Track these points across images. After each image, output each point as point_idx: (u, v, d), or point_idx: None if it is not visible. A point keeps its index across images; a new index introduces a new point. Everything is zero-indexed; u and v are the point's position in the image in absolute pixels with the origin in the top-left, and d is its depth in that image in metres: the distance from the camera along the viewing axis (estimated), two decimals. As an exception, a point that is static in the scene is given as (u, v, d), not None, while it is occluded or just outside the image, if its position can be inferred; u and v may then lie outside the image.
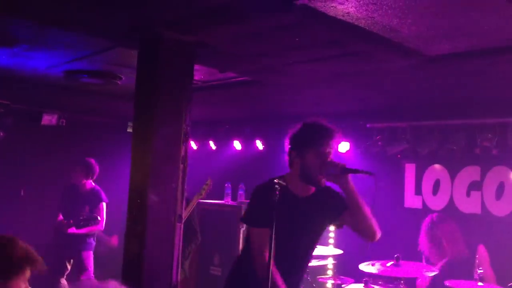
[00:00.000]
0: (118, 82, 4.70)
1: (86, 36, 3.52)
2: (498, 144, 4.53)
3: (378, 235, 2.84)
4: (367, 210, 2.77)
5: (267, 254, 2.54)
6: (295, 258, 2.92)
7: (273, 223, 2.47)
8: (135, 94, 3.22)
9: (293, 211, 2.83)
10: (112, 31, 3.34)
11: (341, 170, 2.72)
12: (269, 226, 2.49)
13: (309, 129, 2.93)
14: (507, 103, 4.37)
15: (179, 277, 3.04)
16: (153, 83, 3.07)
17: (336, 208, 2.90)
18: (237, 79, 4.59)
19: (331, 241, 5.93)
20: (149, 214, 2.93)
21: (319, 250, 4.46)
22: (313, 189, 2.91)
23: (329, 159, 2.79)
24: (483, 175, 4.86)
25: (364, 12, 2.70)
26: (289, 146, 2.94)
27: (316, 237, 2.99)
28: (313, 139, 2.84)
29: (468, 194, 4.96)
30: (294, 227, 2.86)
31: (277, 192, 2.54)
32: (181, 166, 3.10)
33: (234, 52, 3.60)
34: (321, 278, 4.63)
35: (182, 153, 3.12)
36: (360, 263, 4.06)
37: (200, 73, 4.46)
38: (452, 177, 5.13)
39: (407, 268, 3.87)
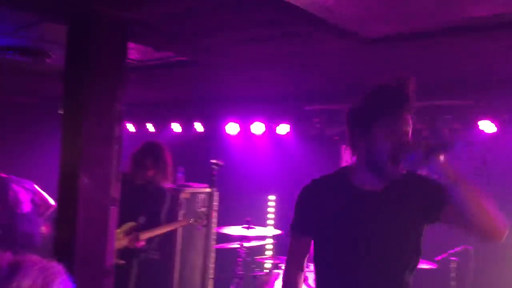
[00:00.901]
0: (47, 60, 4.45)
1: (11, 10, 3.29)
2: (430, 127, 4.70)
3: (504, 231, 1.89)
4: (481, 199, 1.85)
5: (294, 270, 2.12)
6: (369, 276, 1.96)
7: (314, 228, 2.01)
8: (65, 73, 3.05)
9: (355, 211, 2.00)
10: (39, 5, 3.13)
11: (424, 153, 1.80)
12: (309, 233, 2.05)
13: (377, 96, 2.02)
14: (441, 86, 4.54)
15: (113, 262, 2.94)
16: (84, 61, 2.92)
17: (430, 201, 1.97)
18: (174, 59, 4.48)
19: (270, 222, 6.00)
20: (80, 198, 2.81)
21: (258, 230, 4.48)
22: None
23: (406, 139, 1.92)
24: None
25: (301, -8, 2.69)
26: (350, 124, 2.04)
27: (405, 245, 1.98)
28: (382, 109, 1.96)
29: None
30: (357, 232, 1.98)
31: (322, 188, 2.05)
32: (116, 147, 2.99)
33: (169, 31, 3.50)
34: (259, 258, 4.68)
35: (117, 133, 3.00)
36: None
37: (136, 52, 4.30)
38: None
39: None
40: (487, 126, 4.46)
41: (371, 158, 1.97)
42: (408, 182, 1.98)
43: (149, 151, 4.18)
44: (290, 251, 2.17)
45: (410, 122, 1.96)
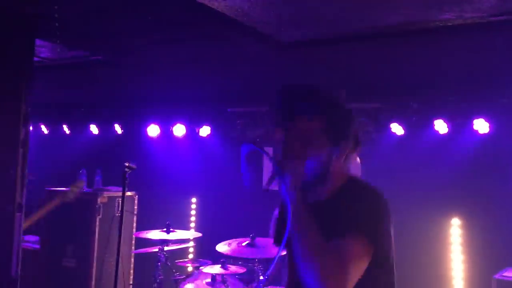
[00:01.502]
0: None
1: None
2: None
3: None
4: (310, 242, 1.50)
5: None
6: None
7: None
8: (-36, 70, 2.84)
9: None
10: None
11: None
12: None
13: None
14: (352, 89, 4.73)
15: (19, 270, 2.78)
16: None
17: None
18: (90, 58, 4.32)
19: (192, 224, 5.95)
20: (-19, 204, 2.63)
21: (179, 234, 4.43)
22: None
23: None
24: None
25: (218, -5, 2.70)
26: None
27: None
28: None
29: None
30: None
31: None
32: (21, 150, 2.82)
33: (82, 29, 3.37)
34: (180, 262, 4.62)
35: (22, 136, 2.84)
36: (218, 244, 4.11)
37: (47, 50, 4.11)
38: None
39: (262, 247, 4.02)
40: (397, 129, 4.71)
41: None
42: (344, 195, 1.65)
43: None
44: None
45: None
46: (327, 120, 1.62)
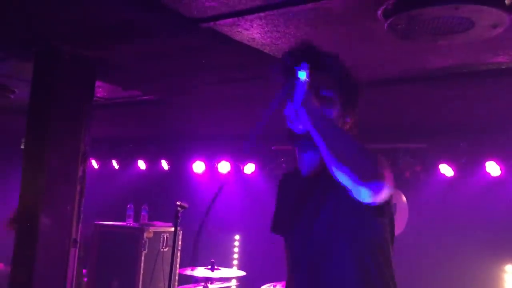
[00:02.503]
0: (11, 95, 4.38)
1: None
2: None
3: (375, 180, 1.33)
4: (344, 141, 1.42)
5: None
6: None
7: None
8: (29, 109, 3.02)
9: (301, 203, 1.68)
10: (5, 42, 3.12)
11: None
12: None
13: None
14: (398, 130, 4.70)
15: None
16: (49, 98, 2.91)
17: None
18: (142, 97, 4.49)
19: (235, 262, 5.93)
20: (40, 239, 2.73)
21: (223, 272, 4.42)
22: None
23: None
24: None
25: (269, 39, 2.78)
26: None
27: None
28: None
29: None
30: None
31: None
32: (78, 187, 2.94)
33: (138, 71, 3.53)
34: (224, 300, 4.60)
35: (80, 173, 2.96)
36: (263, 284, 4.08)
37: (103, 90, 4.30)
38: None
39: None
40: (446, 170, 4.61)
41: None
42: None
43: None
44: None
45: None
46: (342, 80, 1.59)
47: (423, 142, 4.76)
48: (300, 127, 1.51)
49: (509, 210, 4.35)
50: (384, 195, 1.35)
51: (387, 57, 2.96)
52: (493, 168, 4.39)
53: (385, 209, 1.47)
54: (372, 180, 1.32)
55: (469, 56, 2.86)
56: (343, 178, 1.35)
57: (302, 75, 1.43)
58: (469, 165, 4.58)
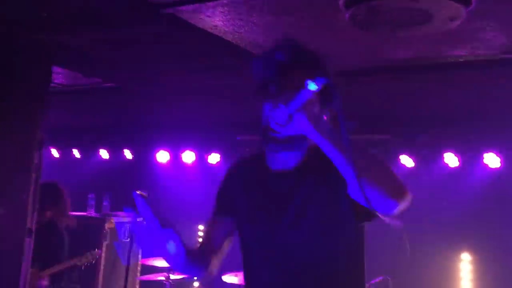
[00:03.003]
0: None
1: None
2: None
3: (405, 196, 1.41)
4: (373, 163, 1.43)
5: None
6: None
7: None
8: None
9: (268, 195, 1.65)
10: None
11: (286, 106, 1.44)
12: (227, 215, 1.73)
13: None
14: (365, 121, 4.75)
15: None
16: (2, 84, 2.79)
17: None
18: (103, 85, 4.39)
19: (199, 252, 5.91)
20: (-8, 229, 2.64)
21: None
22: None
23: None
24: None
25: (231, 27, 2.76)
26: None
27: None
28: None
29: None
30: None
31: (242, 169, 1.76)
32: (34, 175, 2.85)
33: (99, 57, 3.44)
34: (186, 290, 4.58)
35: (36, 161, 2.87)
36: (225, 273, 4.08)
37: (62, 76, 4.18)
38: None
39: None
40: (406, 161, 4.70)
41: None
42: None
43: (47, 192, 3.98)
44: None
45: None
46: (320, 76, 1.45)
47: (387, 133, 4.84)
48: (290, 133, 1.45)
49: (466, 200, 4.49)
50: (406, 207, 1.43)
51: (348, 48, 2.98)
52: (451, 159, 4.51)
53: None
54: (404, 197, 1.40)
55: (429, 48, 2.91)
56: (372, 195, 1.35)
57: (313, 86, 1.38)
58: (429, 156, 4.68)
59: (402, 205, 1.41)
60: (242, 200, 1.67)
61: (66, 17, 2.73)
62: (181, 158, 5.91)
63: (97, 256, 4.06)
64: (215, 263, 1.66)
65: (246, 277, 1.70)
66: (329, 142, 1.39)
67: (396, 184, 1.41)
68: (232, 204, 1.70)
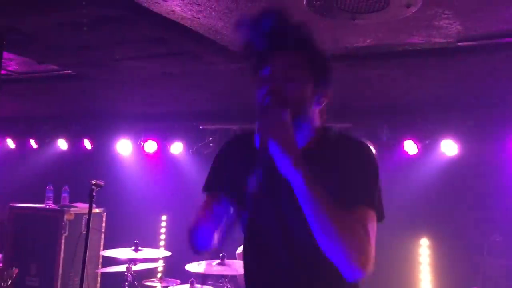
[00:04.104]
0: None
1: None
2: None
3: (364, 267, 1.32)
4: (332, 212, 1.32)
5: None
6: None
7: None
8: None
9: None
10: None
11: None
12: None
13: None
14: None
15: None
16: None
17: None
18: (60, 72, 4.25)
19: (162, 243, 5.85)
20: None
21: (147, 252, 4.34)
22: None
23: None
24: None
25: (189, 12, 2.70)
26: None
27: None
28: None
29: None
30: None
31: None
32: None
33: (53, 42, 3.31)
34: (148, 281, 4.52)
35: (-15, 151, 2.75)
36: (188, 263, 4.05)
37: (15, 63, 4.02)
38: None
39: (232, 266, 3.98)
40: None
41: None
42: (327, 145, 1.50)
43: None
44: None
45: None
46: (312, 56, 1.45)
47: (348, 121, 4.88)
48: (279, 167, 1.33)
49: (424, 188, 4.59)
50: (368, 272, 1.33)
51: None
52: (410, 147, 4.59)
53: None
54: (366, 267, 1.31)
55: (387, 36, 2.93)
56: (333, 253, 1.30)
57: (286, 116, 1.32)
58: (388, 144, 4.75)
59: (362, 274, 1.32)
60: (240, 180, 1.43)
61: (18, 0, 2.62)
62: (142, 147, 5.81)
63: (14, 276, 3.83)
64: (217, 237, 1.55)
65: (248, 262, 1.62)
66: (301, 175, 1.28)
67: (362, 250, 1.31)
68: (229, 182, 1.56)
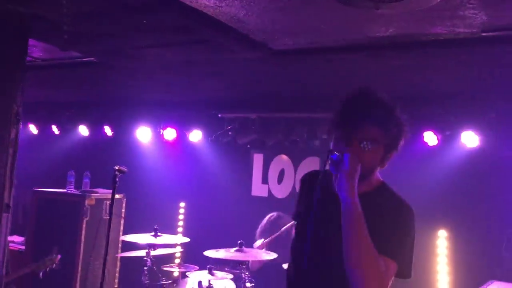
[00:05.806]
0: None
1: None
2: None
3: None
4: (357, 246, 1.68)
5: None
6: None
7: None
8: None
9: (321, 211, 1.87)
10: None
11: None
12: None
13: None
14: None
15: (3, 271, 2.75)
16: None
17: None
18: (82, 59, 4.31)
19: (180, 229, 5.93)
20: (-32, 204, 2.60)
21: (166, 238, 4.41)
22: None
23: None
24: (322, 165, 5.25)
25: (212, 0, 2.71)
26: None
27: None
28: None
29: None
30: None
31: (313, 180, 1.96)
32: (10, 150, 2.80)
33: (77, 30, 3.35)
34: (166, 266, 4.60)
35: (12, 136, 2.82)
36: (206, 250, 4.11)
37: (39, 49, 4.09)
38: (296, 166, 5.46)
39: (250, 253, 4.03)
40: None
41: None
42: (377, 196, 1.85)
43: None
44: None
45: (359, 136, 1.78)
46: (389, 131, 1.79)
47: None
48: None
49: (443, 179, 4.56)
50: None
51: (329, 23, 2.96)
52: (430, 138, 4.56)
53: None
54: None
55: (410, 26, 2.90)
56: (353, 277, 1.66)
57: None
58: (411, 134, 4.71)
59: None
60: (305, 209, 1.93)
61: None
62: (162, 135, 5.87)
63: (56, 262, 3.96)
64: None
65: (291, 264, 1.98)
66: (351, 201, 1.70)
67: (375, 280, 1.65)
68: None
